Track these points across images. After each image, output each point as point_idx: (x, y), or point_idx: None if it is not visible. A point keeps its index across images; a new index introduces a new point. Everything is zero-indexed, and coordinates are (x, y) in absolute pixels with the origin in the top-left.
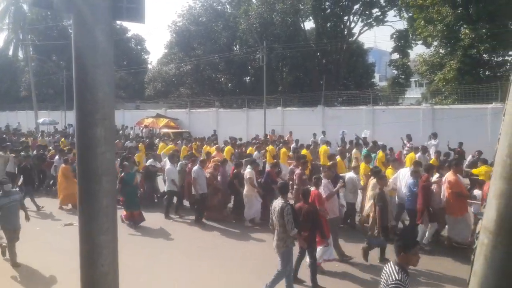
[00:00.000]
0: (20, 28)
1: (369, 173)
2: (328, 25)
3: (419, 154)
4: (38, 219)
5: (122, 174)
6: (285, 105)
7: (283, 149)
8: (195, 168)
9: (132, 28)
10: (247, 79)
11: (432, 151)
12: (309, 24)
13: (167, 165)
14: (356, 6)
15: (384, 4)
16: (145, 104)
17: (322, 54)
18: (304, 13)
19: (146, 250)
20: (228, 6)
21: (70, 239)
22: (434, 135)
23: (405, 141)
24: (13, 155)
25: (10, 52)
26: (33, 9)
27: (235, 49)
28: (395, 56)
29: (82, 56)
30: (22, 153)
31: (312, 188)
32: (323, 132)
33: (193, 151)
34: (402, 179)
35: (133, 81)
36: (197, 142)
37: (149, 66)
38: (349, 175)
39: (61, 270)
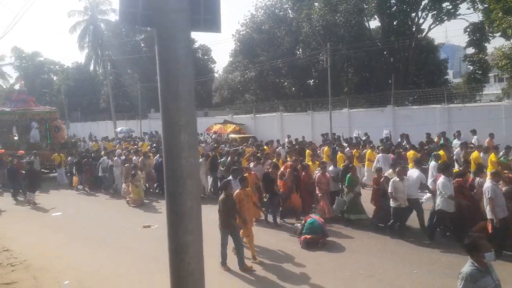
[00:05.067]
0: (98, 45)
1: None
2: (394, 23)
3: None
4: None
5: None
6: (352, 106)
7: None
8: (489, 184)
9: (199, 39)
10: (311, 82)
11: None
12: (374, 23)
13: (440, 178)
14: (425, 1)
15: None
16: (213, 111)
17: (389, 52)
18: (368, 12)
19: None
20: (290, 11)
21: (147, 240)
22: None
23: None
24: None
25: (91, 68)
26: (109, 27)
27: (298, 53)
28: (470, 50)
29: (165, 68)
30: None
31: None
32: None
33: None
34: None
35: (201, 89)
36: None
37: (216, 75)
38: None
39: (138, 271)
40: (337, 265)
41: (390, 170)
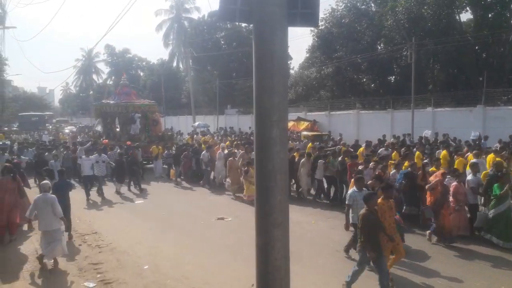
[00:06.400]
0: (182, 42)
1: None
2: (489, 15)
3: None
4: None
5: None
6: (436, 105)
7: None
8: None
9: None
10: (392, 78)
11: None
12: (465, 16)
13: None
14: None
15: None
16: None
17: (482, 47)
18: (459, 4)
19: None
20: (372, 5)
21: (221, 232)
22: None
23: None
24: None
25: (174, 64)
26: (192, 25)
27: (379, 47)
28: None
29: (261, 63)
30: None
31: None
32: None
33: None
34: None
35: None
36: None
37: (291, 71)
38: None
39: (212, 260)
40: (416, 270)
41: None
